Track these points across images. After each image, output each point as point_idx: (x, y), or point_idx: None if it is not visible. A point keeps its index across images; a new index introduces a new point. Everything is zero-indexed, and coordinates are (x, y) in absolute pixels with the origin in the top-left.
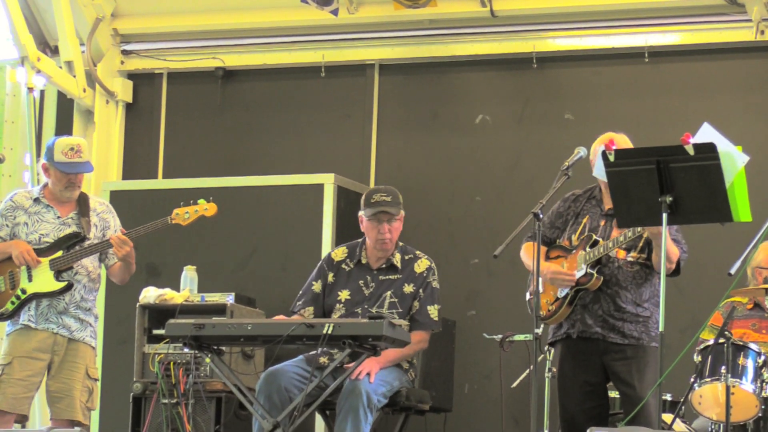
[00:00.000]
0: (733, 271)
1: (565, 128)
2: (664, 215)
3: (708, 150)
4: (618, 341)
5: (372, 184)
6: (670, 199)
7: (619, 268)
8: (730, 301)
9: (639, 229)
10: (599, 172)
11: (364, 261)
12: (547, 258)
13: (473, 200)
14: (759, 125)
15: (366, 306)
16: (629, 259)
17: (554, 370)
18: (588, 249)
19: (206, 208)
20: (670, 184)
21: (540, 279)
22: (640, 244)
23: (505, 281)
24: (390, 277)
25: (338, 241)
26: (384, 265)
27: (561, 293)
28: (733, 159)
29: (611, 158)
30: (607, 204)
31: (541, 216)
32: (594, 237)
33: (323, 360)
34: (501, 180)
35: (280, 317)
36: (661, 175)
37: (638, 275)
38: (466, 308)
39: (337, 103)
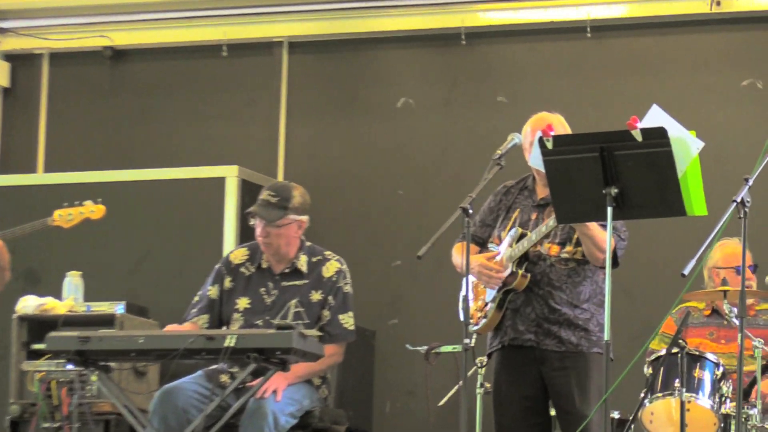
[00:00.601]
0: (686, 271)
1: (498, 112)
2: (609, 209)
3: (658, 135)
4: (554, 348)
5: (281, 177)
6: (616, 191)
7: (551, 266)
8: (684, 306)
9: None
10: (535, 161)
11: (265, 265)
12: None
13: (395, 194)
14: (714, 107)
15: (268, 317)
16: (563, 255)
17: (487, 385)
18: (515, 245)
19: (92, 210)
20: (615, 174)
21: (470, 283)
22: (575, 237)
23: (432, 286)
24: (295, 282)
25: (242, 241)
26: (287, 270)
27: (489, 296)
28: (687, 145)
29: (549, 145)
30: (541, 193)
31: (470, 211)
32: (520, 231)
33: (224, 378)
34: (426, 171)
35: (172, 327)
36: (605, 164)
37: (574, 273)
38: (387, 316)
39: (241, 86)
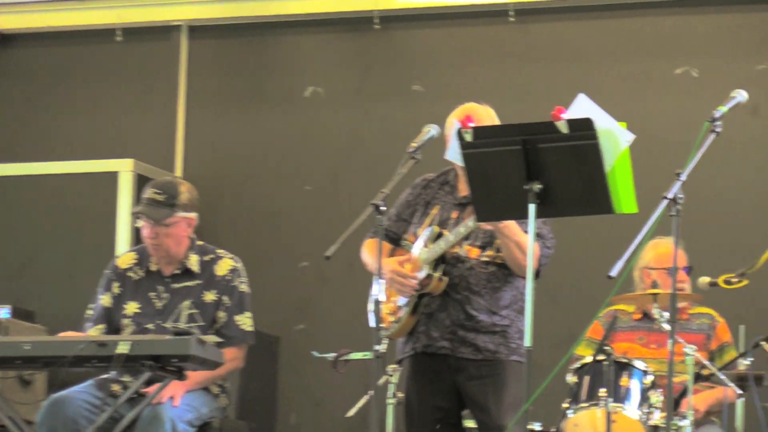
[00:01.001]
0: (614, 273)
1: (414, 102)
2: (532, 206)
3: (584, 127)
4: (470, 356)
5: (179, 172)
6: (539, 186)
7: (470, 270)
8: (611, 310)
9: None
10: (453, 154)
11: (154, 268)
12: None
13: (302, 190)
14: (646, 97)
15: (159, 321)
16: (483, 258)
17: (399, 394)
18: (430, 245)
19: None
20: (538, 168)
21: (382, 284)
22: (498, 240)
23: (341, 288)
24: (186, 284)
25: (137, 241)
26: (178, 271)
27: (401, 301)
28: (615, 138)
29: (468, 137)
30: (463, 190)
31: (383, 208)
32: (437, 230)
33: (116, 388)
34: (336, 165)
35: (69, 334)
36: (528, 158)
37: (495, 278)
38: (293, 321)
39: (137, 74)
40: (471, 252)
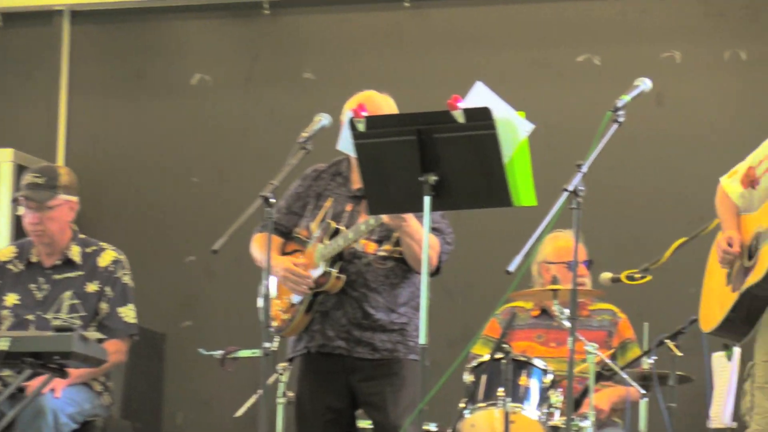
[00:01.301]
0: (512, 268)
1: (305, 90)
2: (427, 199)
3: (481, 116)
4: (367, 356)
5: (61, 161)
6: (435, 178)
7: (367, 266)
8: (509, 307)
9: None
10: (345, 144)
11: (34, 259)
12: (283, 253)
13: (189, 181)
14: (546, 85)
15: (39, 312)
16: (381, 253)
17: (290, 394)
18: (327, 241)
19: None
20: (434, 159)
21: (273, 279)
22: (396, 234)
23: (229, 283)
24: (68, 275)
25: (19, 235)
26: (59, 262)
27: (295, 298)
28: (514, 128)
29: (360, 127)
30: (356, 182)
31: (272, 200)
32: (333, 225)
33: None
34: (224, 156)
35: None
36: (423, 149)
37: (393, 274)
38: (179, 318)
39: (17, 60)
40: (368, 246)
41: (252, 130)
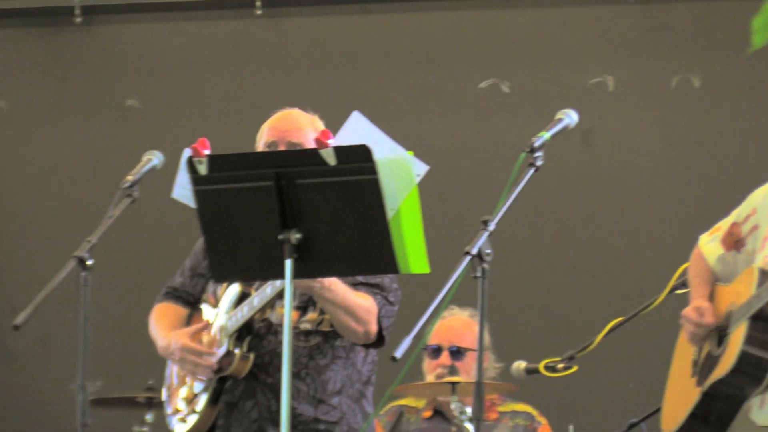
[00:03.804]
0: (399, 354)
1: (130, 120)
2: (288, 263)
3: (358, 156)
4: None
5: None
6: (298, 236)
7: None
8: (395, 406)
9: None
10: (181, 191)
11: None
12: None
13: None
14: (440, 117)
15: None
16: (303, 326)
17: None
18: (232, 310)
19: None
20: (297, 212)
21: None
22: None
23: (35, 370)
24: None
25: None
26: None
27: (198, 387)
28: (402, 170)
29: (202, 169)
30: None
31: (89, 262)
32: (241, 289)
33: None
34: (26, 204)
35: None
36: (283, 198)
37: (319, 353)
38: None
39: None
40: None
41: (60, 171)
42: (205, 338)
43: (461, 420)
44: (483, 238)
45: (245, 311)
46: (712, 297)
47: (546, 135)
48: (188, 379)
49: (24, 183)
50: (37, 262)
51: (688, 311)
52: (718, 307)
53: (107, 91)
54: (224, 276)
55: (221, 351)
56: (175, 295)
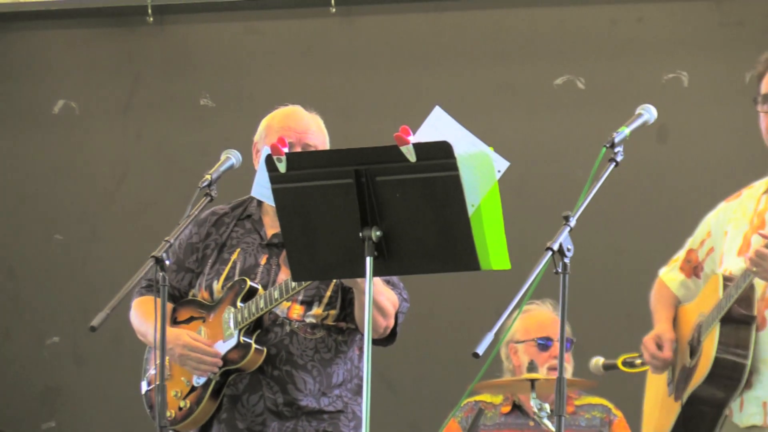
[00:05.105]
0: (480, 350)
1: (203, 118)
2: (369, 260)
3: (439, 153)
4: None
5: None
6: (378, 234)
7: (291, 335)
8: (473, 402)
9: None
10: (260, 190)
11: None
12: (174, 322)
13: (51, 239)
14: (517, 114)
15: None
16: (308, 319)
17: None
18: (240, 304)
19: None
20: (377, 210)
21: (166, 358)
22: (328, 293)
23: (103, 370)
24: None
25: None
26: None
27: (199, 379)
28: (484, 166)
29: (281, 168)
30: (272, 227)
31: (168, 262)
32: (249, 283)
33: None
34: (98, 206)
35: None
36: (363, 196)
37: (324, 346)
38: (40, 417)
39: None
40: (291, 310)
41: (133, 171)
42: (205, 331)
43: (540, 417)
44: (564, 234)
45: (262, 304)
46: (676, 320)
47: (626, 130)
48: (182, 375)
49: (97, 184)
50: (110, 264)
51: (647, 340)
52: (686, 325)
53: (180, 91)
54: (304, 274)
55: (227, 345)
56: (166, 294)
